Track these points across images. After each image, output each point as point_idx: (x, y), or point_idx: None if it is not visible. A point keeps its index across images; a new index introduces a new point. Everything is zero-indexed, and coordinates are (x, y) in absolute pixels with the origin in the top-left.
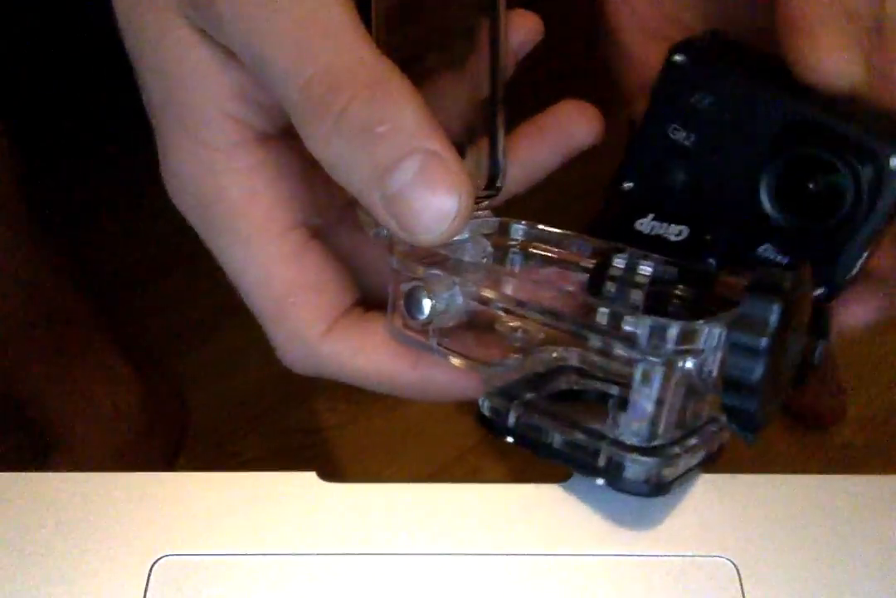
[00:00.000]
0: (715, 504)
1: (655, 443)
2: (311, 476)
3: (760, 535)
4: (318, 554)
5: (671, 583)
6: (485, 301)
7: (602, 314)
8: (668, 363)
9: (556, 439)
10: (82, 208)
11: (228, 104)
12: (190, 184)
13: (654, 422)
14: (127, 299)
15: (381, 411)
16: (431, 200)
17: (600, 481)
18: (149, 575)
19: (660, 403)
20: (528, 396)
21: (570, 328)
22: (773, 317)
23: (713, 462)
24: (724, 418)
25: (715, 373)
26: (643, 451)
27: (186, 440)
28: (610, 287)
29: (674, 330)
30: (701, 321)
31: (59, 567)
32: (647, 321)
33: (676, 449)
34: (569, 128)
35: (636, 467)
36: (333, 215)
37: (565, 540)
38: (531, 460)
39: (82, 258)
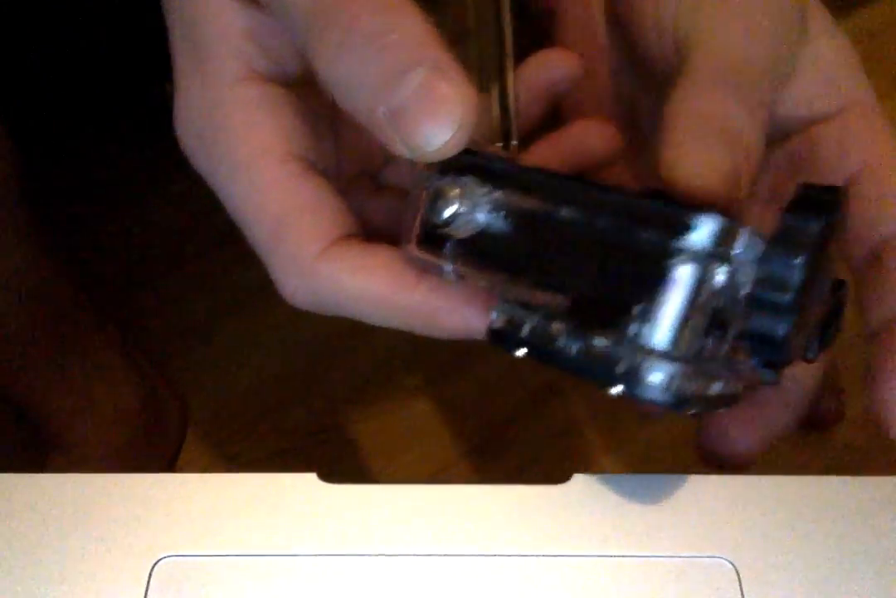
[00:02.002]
0: (715, 504)
1: (681, 352)
2: (311, 477)
3: (760, 535)
4: (318, 555)
5: (671, 583)
6: (512, 209)
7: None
8: (701, 269)
9: (573, 347)
10: (82, 208)
11: (239, 42)
12: (196, 118)
13: (678, 328)
14: (127, 299)
15: (381, 412)
16: (436, 110)
17: (618, 388)
18: (149, 576)
19: (686, 308)
20: (544, 307)
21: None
22: (815, 232)
23: (729, 407)
24: (744, 364)
25: (743, 294)
26: (667, 356)
27: (186, 441)
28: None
29: (715, 227)
30: (742, 227)
31: (59, 568)
32: (695, 217)
33: (702, 365)
34: (586, 144)
35: (660, 373)
36: (340, 185)
37: (565, 541)
38: (531, 461)
39: (82, 258)
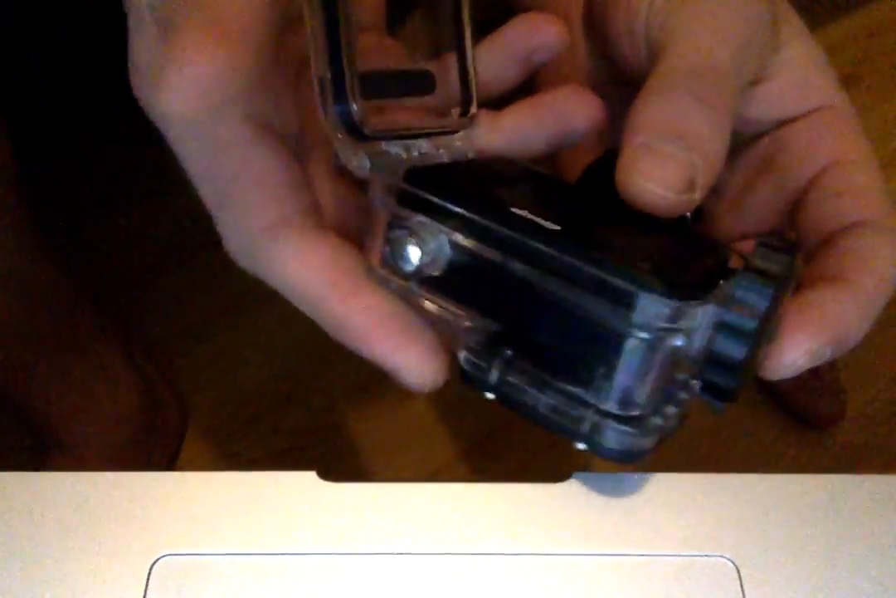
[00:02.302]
0: (715, 504)
1: (637, 413)
2: (310, 476)
3: (760, 535)
4: (318, 554)
5: (671, 583)
6: (472, 254)
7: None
8: (656, 340)
9: (541, 401)
10: (82, 208)
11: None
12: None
13: (635, 394)
14: (127, 299)
15: (380, 411)
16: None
17: (582, 446)
18: (149, 575)
19: (642, 376)
20: (509, 352)
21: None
22: (766, 302)
23: (683, 425)
24: (696, 386)
25: (700, 347)
26: (626, 420)
27: (186, 440)
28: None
29: (666, 309)
30: (695, 302)
31: (59, 567)
32: (644, 297)
33: (657, 420)
34: (566, 111)
35: (617, 437)
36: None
37: (565, 539)
38: (531, 460)
39: (83, 259)
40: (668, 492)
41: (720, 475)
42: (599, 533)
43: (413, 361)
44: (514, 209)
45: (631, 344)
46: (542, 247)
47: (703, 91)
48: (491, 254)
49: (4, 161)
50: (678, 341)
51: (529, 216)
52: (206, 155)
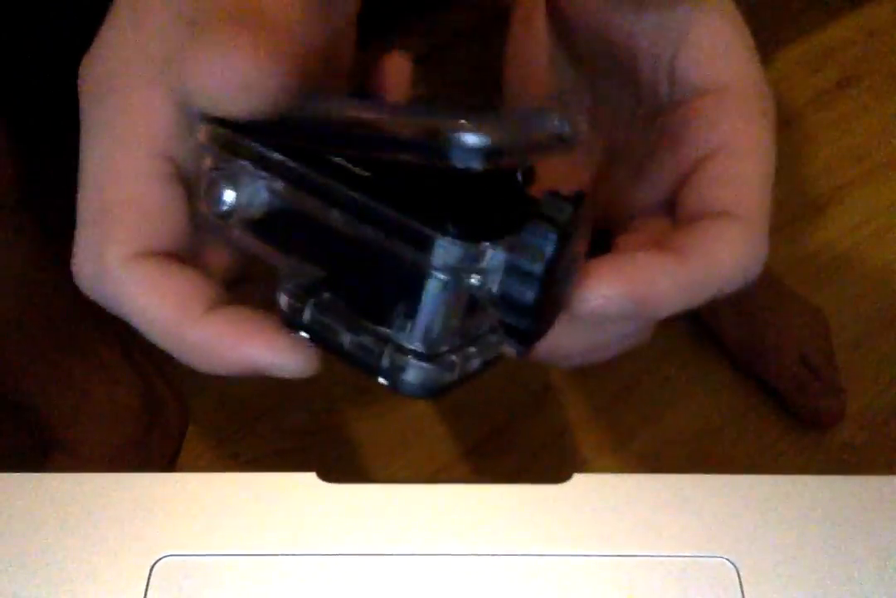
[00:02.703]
0: (715, 504)
1: (435, 350)
2: (311, 477)
3: (760, 535)
4: (318, 554)
5: (672, 582)
6: (287, 199)
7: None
8: (451, 281)
9: (346, 339)
10: None
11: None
12: (97, 63)
13: (434, 331)
14: None
15: (380, 411)
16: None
17: (383, 381)
18: (149, 575)
19: (441, 314)
20: (326, 295)
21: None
22: (550, 246)
23: (490, 369)
24: (501, 330)
25: (495, 290)
26: (422, 357)
27: (186, 440)
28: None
29: (458, 252)
30: (487, 244)
31: (60, 567)
32: (440, 240)
33: (454, 357)
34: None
35: (415, 372)
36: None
37: (565, 540)
38: (531, 461)
39: None
40: (668, 492)
41: (720, 476)
42: (600, 534)
43: (286, 351)
44: (328, 157)
45: (429, 284)
46: (349, 192)
47: None
48: (304, 199)
49: (4, 161)
50: (473, 282)
51: (343, 163)
52: (99, 170)
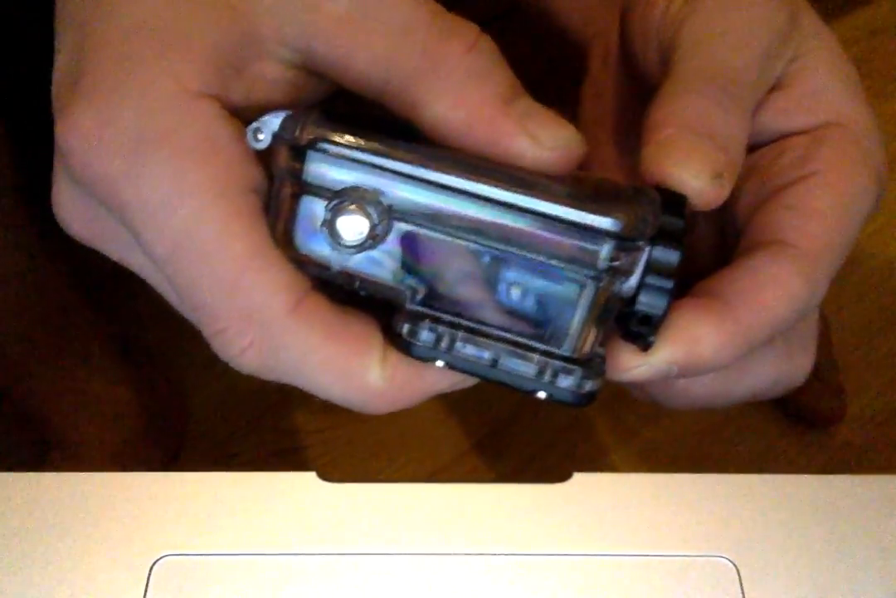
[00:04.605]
0: (715, 504)
1: (587, 355)
2: (310, 476)
3: (760, 535)
4: (318, 554)
5: (671, 583)
6: (416, 212)
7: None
8: (607, 282)
9: (497, 358)
10: None
11: (223, 54)
12: (133, 117)
13: (591, 336)
14: (126, 298)
15: None
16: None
17: (542, 395)
18: (149, 575)
19: (597, 318)
20: (449, 315)
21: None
22: (676, 262)
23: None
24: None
25: (626, 295)
26: (581, 363)
27: (186, 440)
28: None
29: (618, 251)
30: (642, 243)
31: (60, 567)
32: (603, 239)
33: (600, 361)
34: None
35: (578, 381)
36: None
37: (565, 540)
38: (531, 460)
39: (82, 259)
40: (668, 492)
41: (720, 475)
42: (600, 533)
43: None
44: (458, 156)
45: (588, 286)
46: (499, 191)
47: (725, 95)
48: (438, 206)
49: (3, 161)
50: (623, 283)
51: (462, 161)
52: (207, 231)
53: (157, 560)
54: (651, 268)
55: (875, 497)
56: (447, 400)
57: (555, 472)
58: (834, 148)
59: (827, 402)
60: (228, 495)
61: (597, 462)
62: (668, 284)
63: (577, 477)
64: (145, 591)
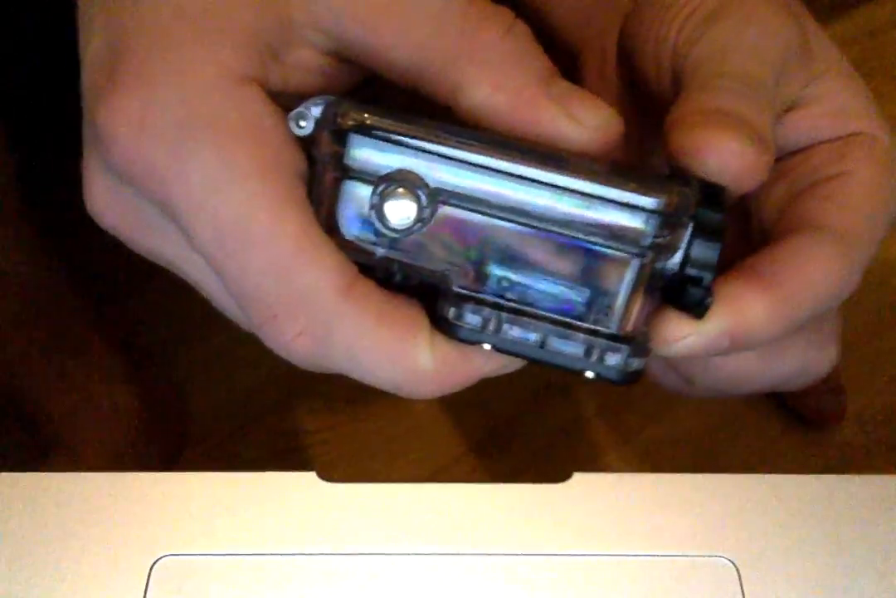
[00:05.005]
0: (715, 504)
1: (633, 333)
2: (311, 476)
3: (760, 535)
4: (318, 554)
5: (671, 583)
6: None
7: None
8: (653, 258)
9: (545, 339)
10: (82, 208)
11: (262, 39)
12: (176, 103)
13: (637, 313)
14: (126, 298)
15: (381, 411)
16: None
17: (590, 375)
18: (149, 575)
19: (643, 295)
20: (495, 295)
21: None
22: (721, 223)
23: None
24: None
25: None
26: (628, 341)
27: (186, 440)
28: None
29: (662, 228)
30: (686, 219)
31: (60, 567)
32: (648, 214)
33: (645, 340)
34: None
35: (625, 359)
36: None
37: (565, 540)
38: (531, 460)
39: (82, 258)
40: (668, 492)
41: (720, 475)
42: (600, 533)
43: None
44: (496, 137)
45: (633, 263)
46: (542, 171)
47: (745, 91)
48: (484, 187)
49: (3, 160)
50: (668, 259)
51: (514, 143)
52: (259, 214)
53: (157, 560)
54: (698, 229)
55: (875, 497)
56: (447, 400)
57: (555, 472)
58: (864, 151)
59: (827, 402)
60: (228, 495)
61: (597, 462)
62: (717, 244)
63: (577, 477)
64: (145, 591)
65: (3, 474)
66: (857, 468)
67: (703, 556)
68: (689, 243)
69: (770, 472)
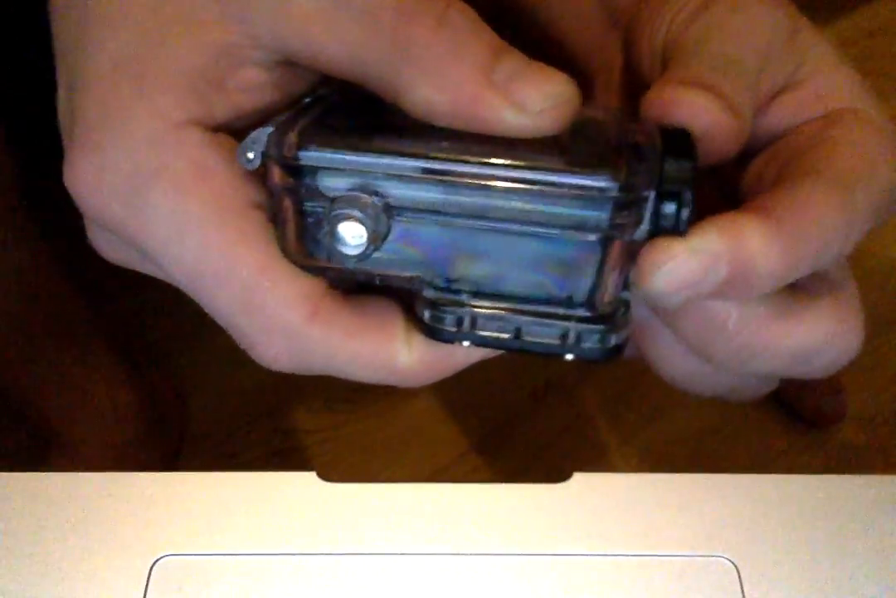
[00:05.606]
0: (715, 504)
1: (608, 311)
2: (311, 476)
3: (760, 535)
4: (318, 554)
5: (672, 582)
6: (414, 206)
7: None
8: (620, 234)
9: (520, 329)
10: None
11: (200, 75)
12: (124, 161)
13: (610, 291)
14: (126, 299)
15: (380, 411)
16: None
17: (570, 357)
18: (149, 575)
19: (614, 273)
20: (467, 293)
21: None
22: (687, 213)
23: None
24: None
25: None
26: (602, 320)
27: (186, 440)
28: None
29: (628, 201)
30: (647, 194)
31: (59, 567)
32: (612, 193)
33: (621, 314)
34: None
35: (602, 336)
36: None
37: (565, 540)
38: (531, 460)
39: (82, 259)
40: (668, 492)
41: (720, 475)
42: (600, 533)
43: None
44: (445, 134)
45: (596, 246)
46: (493, 165)
47: (725, 69)
48: (435, 195)
49: (4, 160)
50: (635, 233)
51: (453, 142)
52: (214, 255)
53: (157, 560)
54: (668, 152)
55: (875, 497)
56: (447, 400)
57: (555, 472)
58: (851, 119)
59: (827, 402)
60: (228, 495)
61: (597, 462)
62: (689, 162)
63: (577, 477)
64: (145, 591)
65: (3, 474)
66: (858, 468)
67: (703, 556)
68: (662, 167)
69: (770, 472)
